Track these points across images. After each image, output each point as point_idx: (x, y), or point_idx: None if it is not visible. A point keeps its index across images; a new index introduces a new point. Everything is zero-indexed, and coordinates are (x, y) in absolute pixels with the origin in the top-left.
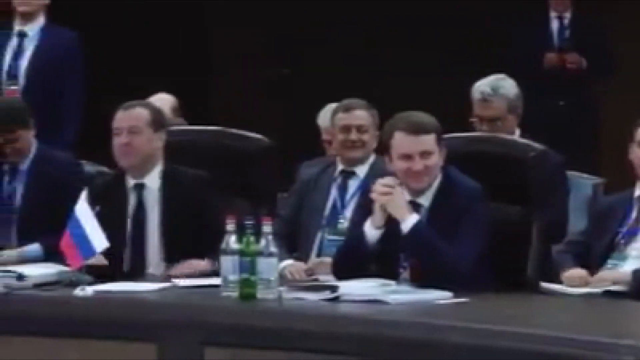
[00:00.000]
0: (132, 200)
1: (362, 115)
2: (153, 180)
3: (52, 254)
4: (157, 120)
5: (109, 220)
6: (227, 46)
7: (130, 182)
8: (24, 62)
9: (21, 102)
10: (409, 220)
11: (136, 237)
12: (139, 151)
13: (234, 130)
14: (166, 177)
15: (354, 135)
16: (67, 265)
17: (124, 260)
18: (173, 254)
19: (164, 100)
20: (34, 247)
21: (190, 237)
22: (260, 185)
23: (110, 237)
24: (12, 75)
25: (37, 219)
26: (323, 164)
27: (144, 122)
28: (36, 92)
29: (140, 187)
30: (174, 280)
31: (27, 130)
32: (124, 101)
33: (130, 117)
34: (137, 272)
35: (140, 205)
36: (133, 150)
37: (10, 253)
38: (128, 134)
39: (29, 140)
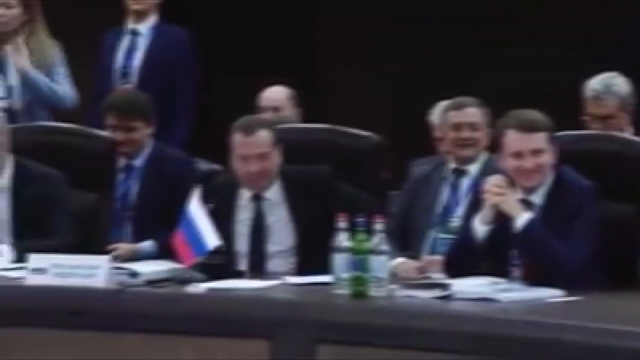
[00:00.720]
0: (250, 205)
1: (473, 112)
2: (273, 191)
3: (165, 252)
4: (276, 136)
5: (221, 221)
6: (335, 44)
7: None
8: (136, 61)
9: (145, 97)
10: (521, 218)
11: (256, 244)
12: (270, 174)
13: (345, 128)
14: (287, 180)
15: (465, 133)
16: (179, 262)
17: (236, 261)
18: (307, 261)
19: (279, 92)
20: (149, 244)
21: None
22: (371, 182)
23: (221, 237)
24: (124, 74)
25: (152, 216)
26: (434, 162)
27: (269, 145)
28: (149, 90)
29: (259, 196)
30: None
31: (145, 124)
32: (234, 99)
33: (255, 143)
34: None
35: (260, 214)
36: (264, 175)
37: (124, 249)
38: (257, 161)
39: (145, 136)
